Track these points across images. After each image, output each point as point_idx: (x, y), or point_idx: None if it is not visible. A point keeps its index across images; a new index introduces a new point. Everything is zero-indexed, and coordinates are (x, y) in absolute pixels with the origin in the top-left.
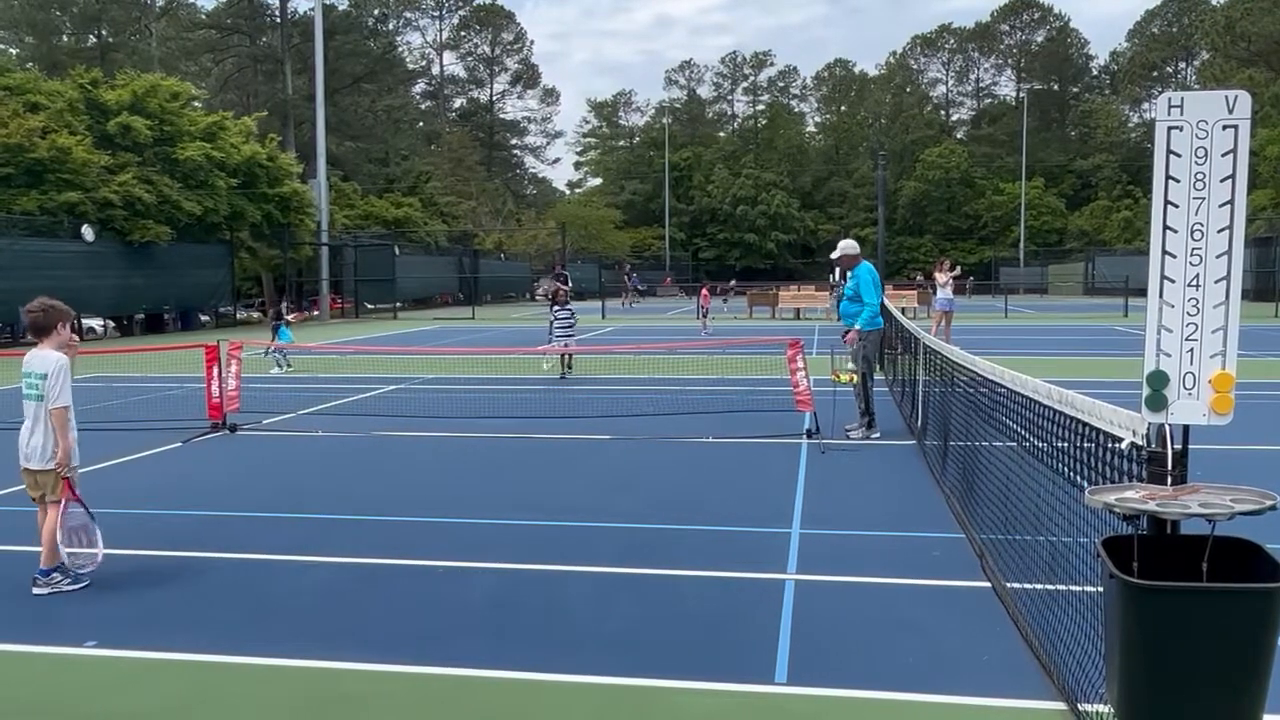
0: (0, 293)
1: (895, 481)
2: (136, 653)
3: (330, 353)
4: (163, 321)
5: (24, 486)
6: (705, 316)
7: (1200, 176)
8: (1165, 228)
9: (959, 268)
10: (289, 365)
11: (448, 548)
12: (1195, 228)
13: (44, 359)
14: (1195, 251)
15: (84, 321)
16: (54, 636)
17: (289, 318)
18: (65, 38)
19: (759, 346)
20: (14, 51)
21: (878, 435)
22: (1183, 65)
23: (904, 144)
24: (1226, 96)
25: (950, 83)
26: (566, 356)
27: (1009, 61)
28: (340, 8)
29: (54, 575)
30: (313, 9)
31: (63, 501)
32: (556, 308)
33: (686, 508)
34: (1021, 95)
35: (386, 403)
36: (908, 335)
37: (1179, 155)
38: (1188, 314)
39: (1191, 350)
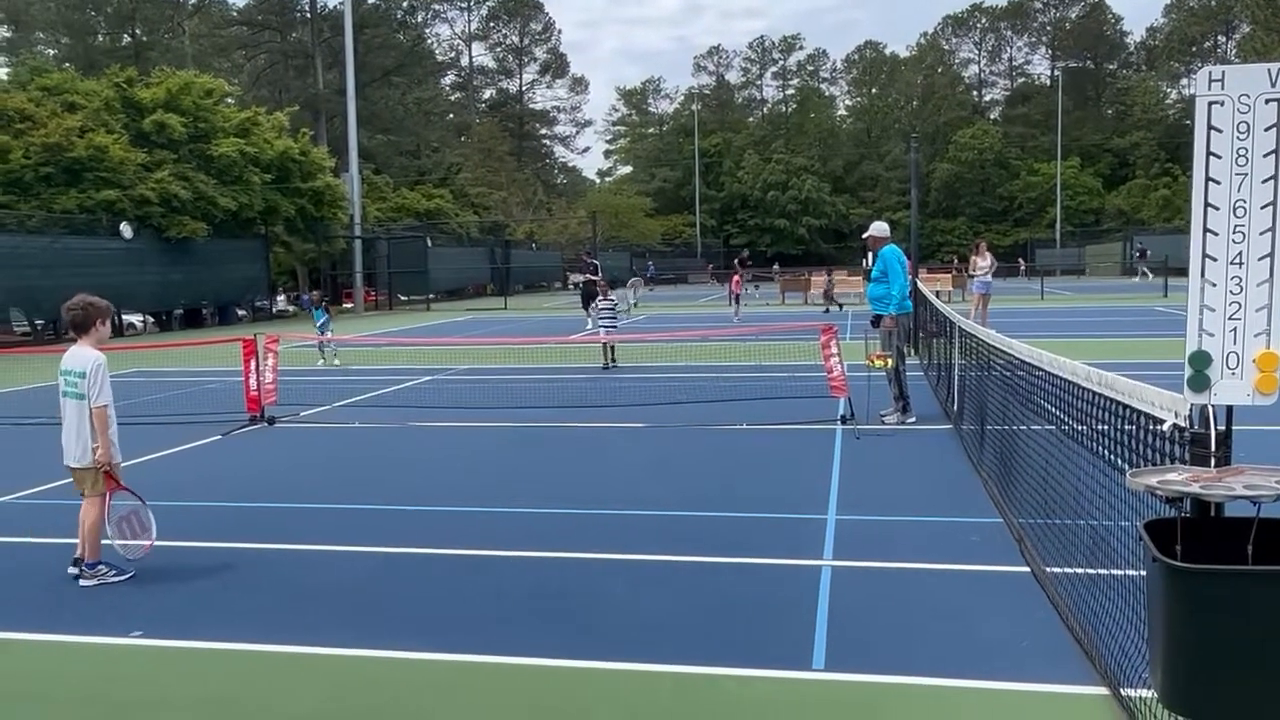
0: (42, 290)
1: (931, 466)
2: (182, 642)
3: (365, 345)
4: (201, 316)
5: (69, 480)
6: (738, 303)
7: (1242, 152)
8: (1207, 205)
9: (990, 256)
10: (335, 356)
11: (484, 537)
12: (1238, 204)
13: (82, 357)
14: (1238, 229)
15: (124, 317)
16: (101, 627)
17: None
18: (100, 37)
19: (792, 332)
20: (51, 52)
21: (913, 420)
22: (1222, 39)
23: (936, 126)
24: (1269, 69)
25: (983, 62)
26: (610, 347)
27: (1042, 39)
28: (369, 1)
29: (100, 567)
30: (342, 3)
31: (107, 494)
32: (600, 298)
33: (721, 495)
34: (1056, 74)
35: (421, 394)
36: (942, 319)
37: (1220, 131)
38: (1231, 292)
39: (1235, 329)
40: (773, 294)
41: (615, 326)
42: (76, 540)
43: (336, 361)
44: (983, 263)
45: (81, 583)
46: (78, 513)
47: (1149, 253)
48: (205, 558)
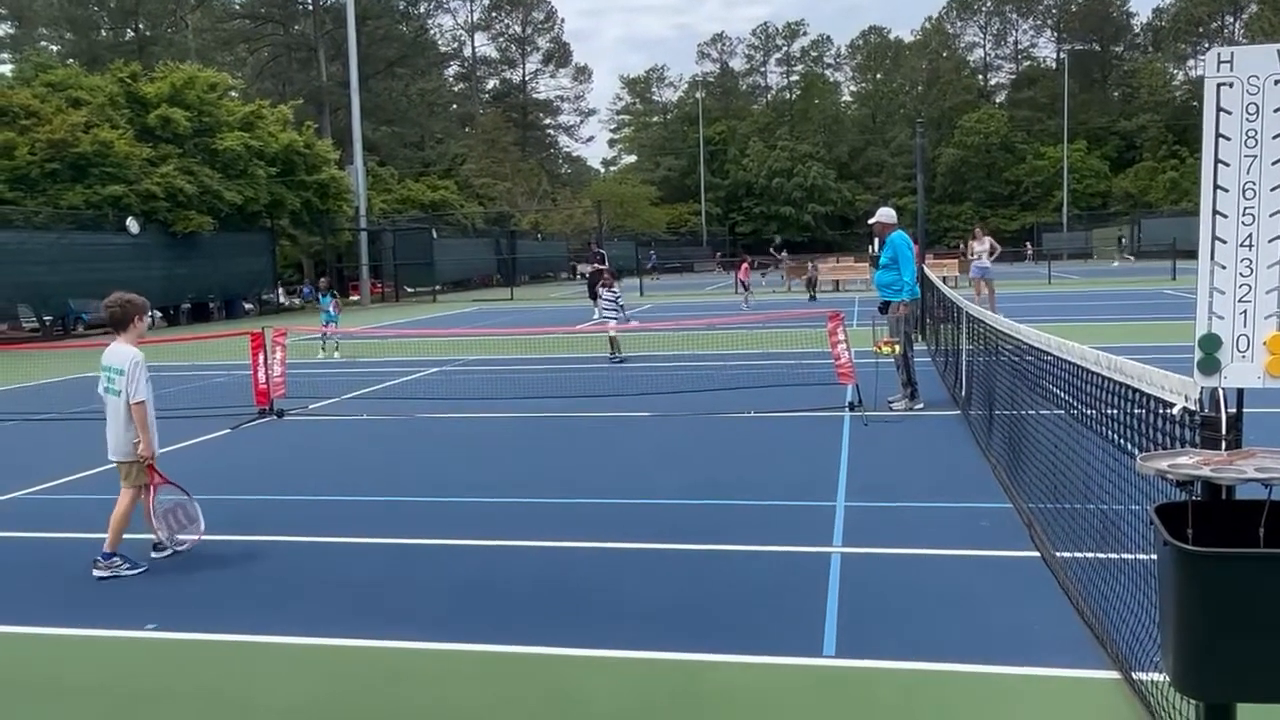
0: (50, 286)
1: (940, 452)
2: (196, 634)
3: (372, 337)
4: (208, 310)
5: (81, 475)
6: (746, 290)
7: (1252, 134)
8: (1216, 187)
9: (988, 240)
10: (336, 349)
11: (493, 527)
12: (1247, 186)
13: (121, 354)
14: (1248, 211)
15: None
16: (116, 620)
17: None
18: (104, 33)
19: (799, 320)
20: (55, 48)
21: (920, 406)
22: (1230, 19)
23: (941, 110)
24: (1279, 50)
25: (988, 46)
26: (612, 340)
27: (1048, 22)
28: None
29: (114, 559)
30: None
31: (152, 488)
32: (603, 288)
33: (730, 483)
34: (1061, 56)
35: (429, 386)
36: (950, 304)
37: (1229, 112)
38: (1241, 275)
39: (1245, 312)
40: (778, 281)
41: (619, 318)
42: (86, 534)
43: (337, 354)
44: (979, 246)
45: (95, 572)
46: (92, 508)
47: (1124, 240)
48: (217, 551)
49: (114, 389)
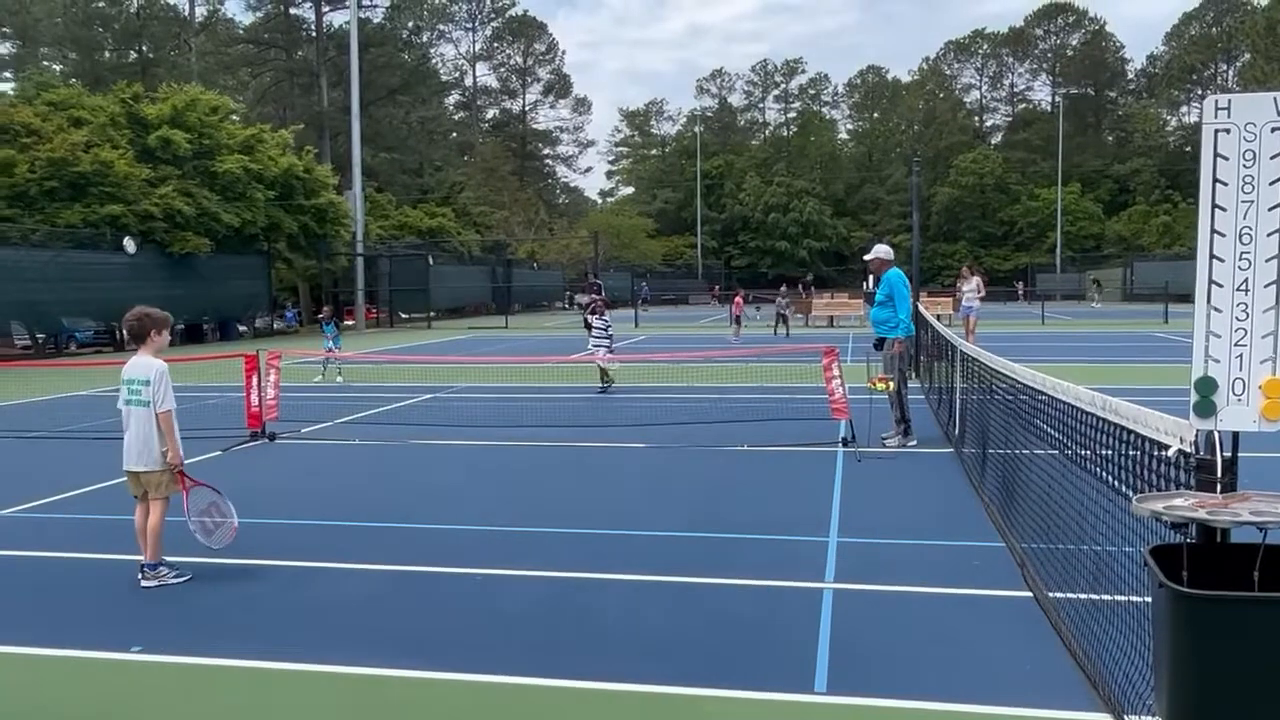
0: (46, 304)
1: (933, 490)
2: (181, 658)
3: (366, 362)
4: (202, 332)
5: (68, 494)
6: (738, 324)
7: (1249, 180)
8: (1213, 231)
9: (976, 279)
10: (338, 373)
11: (485, 556)
12: (1244, 231)
13: (144, 366)
14: (1244, 255)
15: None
16: (101, 643)
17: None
18: (107, 53)
19: (794, 354)
20: (58, 68)
21: (914, 443)
22: (1223, 67)
23: (937, 150)
24: (1275, 98)
25: (984, 88)
26: (604, 369)
27: (1044, 66)
28: (375, 21)
29: (160, 569)
30: (348, 23)
31: (184, 493)
32: (594, 317)
33: (722, 516)
34: (1057, 100)
35: (422, 412)
36: (944, 342)
37: (1226, 158)
38: (1237, 319)
39: (1241, 355)
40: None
41: (609, 348)
42: (74, 554)
43: (339, 379)
44: (967, 286)
45: (143, 584)
46: (80, 527)
47: (1098, 283)
48: (204, 574)
49: (139, 400)
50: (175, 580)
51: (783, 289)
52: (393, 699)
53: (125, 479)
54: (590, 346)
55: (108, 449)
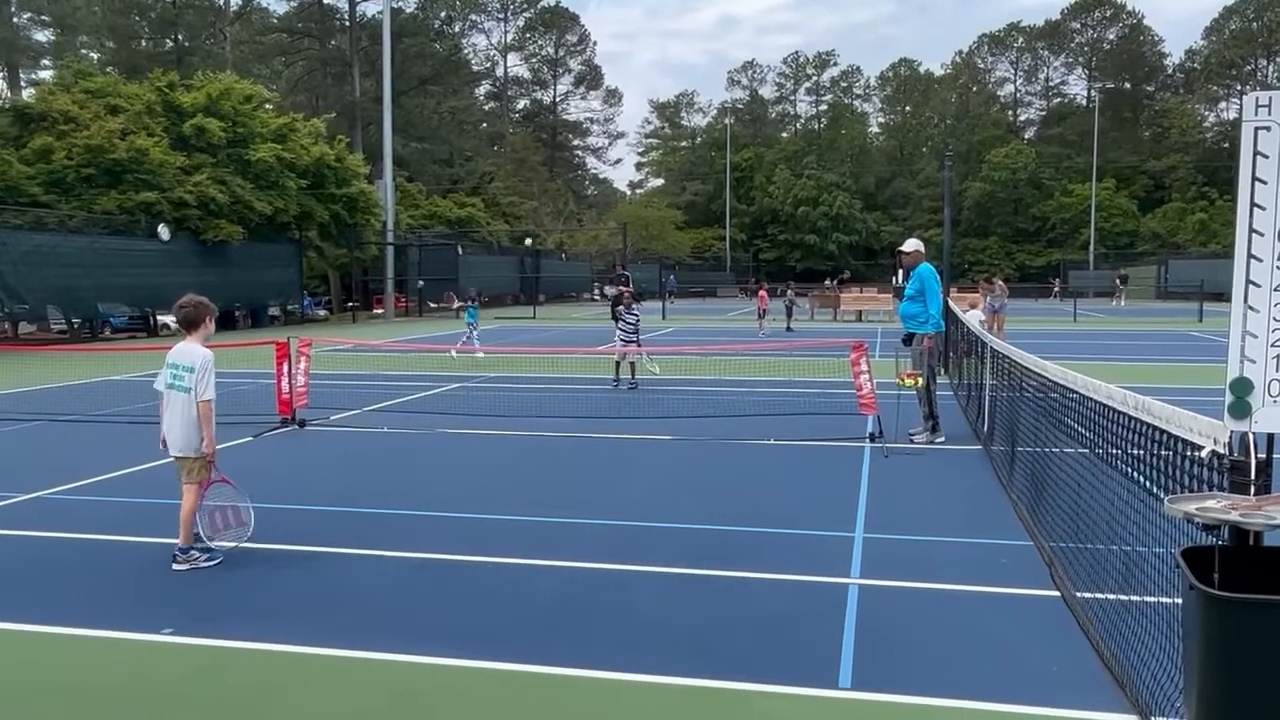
0: (82, 290)
1: (961, 487)
2: (210, 640)
3: (394, 350)
4: (233, 319)
5: (104, 477)
6: (763, 318)
7: None
8: (1251, 231)
9: (997, 282)
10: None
11: (513, 545)
12: None
13: (192, 353)
14: None
15: (159, 318)
16: (134, 624)
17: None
18: (144, 42)
19: (822, 349)
20: (95, 56)
21: (942, 440)
22: (1264, 63)
23: (970, 144)
24: None
25: (1019, 82)
26: (630, 364)
27: (1080, 60)
28: (407, 11)
29: (191, 553)
30: (380, 12)
31: (208, 482)
32: (622, 309)
33: (749, 510)
34: (1092, 94)
35: (450, 401)
36: (973, 338)
37: (1266, 157)
38: (1274, 319)
39: (1278, 357)
40: (802, 309)
41: (635, 340)
42: (109, 536)
43: (480, 354)
44: (994, 295)
45: (175, 567)
46: (113, 509)
47: (1128, 278)
48: (234, 558)
49: (181, 385)
50: (207, 564)
51: (789, 283)
52: (421, 686)
53: (170, 461)
54: (617, 341)
55: (142, 433)
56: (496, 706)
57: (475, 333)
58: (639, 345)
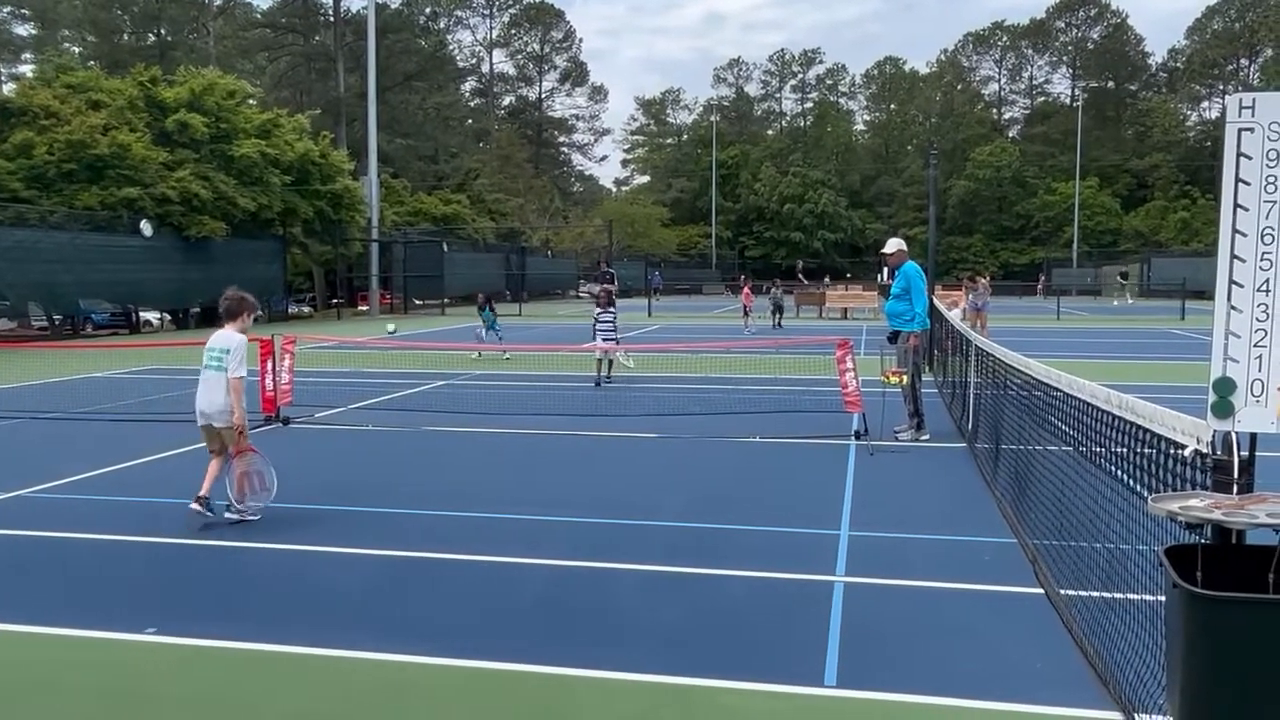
0: (62, 285)
1: (945, 484)
2: (193, 640)
3: (379, 347)
4: (217, 315)
5: (85, 475)
6: (747, 316)
7: (1271, 179)
8: (1234, 231)
9: (981, 282)
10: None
11: (495, 543)
12: (1266, 232)
13: (228, 338)
14: (1265, 256)
15: (141, 314)
16: (116, 622)
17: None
18: (126, 36)
19: (807, 346)
20: (77, 50)
21: (927, 437)
22: (1245, 62)
23: (954, 142)
24: None
25: (1003, 80)
26: (607, 362)
27: (1063, 59)
28: (392, 6)
29: (242, 506)
30: (365, 8)
31: (247, 451)
32: (599, 309)
33: (733, 507)
34: (1076, 93)
35: (434, 398)
36: (958, 336)
37: (1249, 157)
38: (1257, 319)
39: (1260, 356)
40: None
41: (612, 339)
42: (91, 535)
43: (507, 357)
44: (976, 292)
45: (226, 515)
46: (95, 507)
47: (1128, 276)
48: (217, 557)
49: (218, 365)
50: (253, 517)
51: (776, 280)
52: (400, 683)
53: (172, 454)
54: (597, 339)
55: (125, 431)
56: (472, 704)
57: (483, 330)
58: (617, 343)
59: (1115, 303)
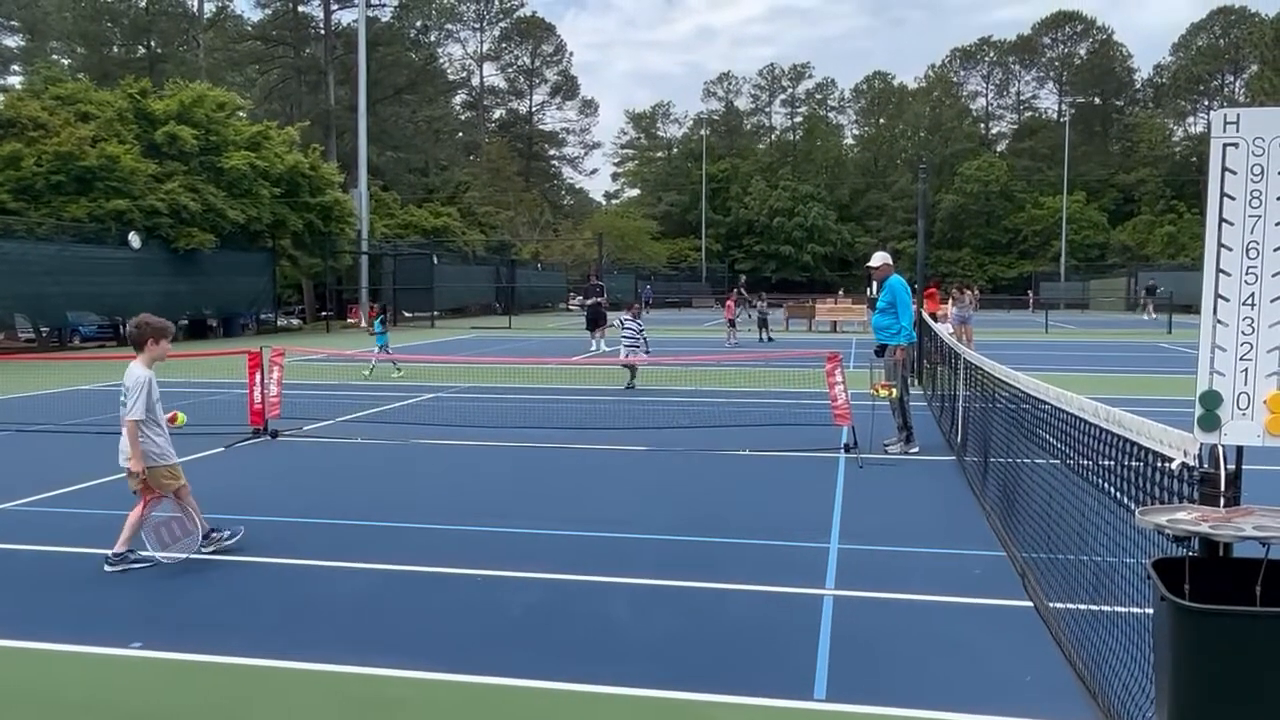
0: (49, 297)
1: (935, 497)
2: (180, 655)
3: (370, 360)
4: (205, 328)
5: (72, 488)
6: (733, 328)
7: (1256, 194)
8: (1220, 245)
9: (967, 294)
10: (398, 370)
11: (486, 556)
12: (1251, 246)
13: (129, 373)
14: (1250, 270)
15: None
16: (102, 637)
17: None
18: (116, 48)
19: (797, 360)
20: (66, 62)
21: (916, 450)
22: (1230, 78)
23: (943, 157)
24: None
25: (990, 95)
26: (630, 369)
27: (1050, 75)
28: (383, 20)
29: (215, 533)
30: (356, 21)
31: (147, 501)
32: (627, 318)
33: (724, 520)
34: (1063, 108)
35: (424, 411)
36: (947, 349)
37: (1234, 172)
38: (1242, 333)
39: (1246, 370)
40: (777, 319)
41: (636, 349)
42: (76, 549)
43: (397, 374)
44: (960, 304)
45: (106, 568)
46: (82, 521)
47: (1159, 289)
48: (205, 570)
49: (123, 402)
50: (137, 565)
51: (761, 294)
52: (390, 699)
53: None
54: (595, 349)
55: (111, 444)
56: (462, 719)
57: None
58: (648, 354)
59: (1145, 316)
